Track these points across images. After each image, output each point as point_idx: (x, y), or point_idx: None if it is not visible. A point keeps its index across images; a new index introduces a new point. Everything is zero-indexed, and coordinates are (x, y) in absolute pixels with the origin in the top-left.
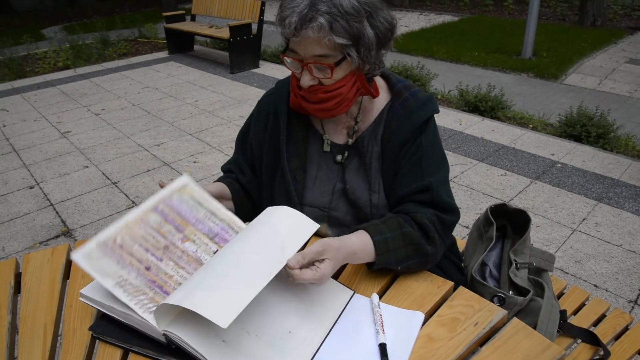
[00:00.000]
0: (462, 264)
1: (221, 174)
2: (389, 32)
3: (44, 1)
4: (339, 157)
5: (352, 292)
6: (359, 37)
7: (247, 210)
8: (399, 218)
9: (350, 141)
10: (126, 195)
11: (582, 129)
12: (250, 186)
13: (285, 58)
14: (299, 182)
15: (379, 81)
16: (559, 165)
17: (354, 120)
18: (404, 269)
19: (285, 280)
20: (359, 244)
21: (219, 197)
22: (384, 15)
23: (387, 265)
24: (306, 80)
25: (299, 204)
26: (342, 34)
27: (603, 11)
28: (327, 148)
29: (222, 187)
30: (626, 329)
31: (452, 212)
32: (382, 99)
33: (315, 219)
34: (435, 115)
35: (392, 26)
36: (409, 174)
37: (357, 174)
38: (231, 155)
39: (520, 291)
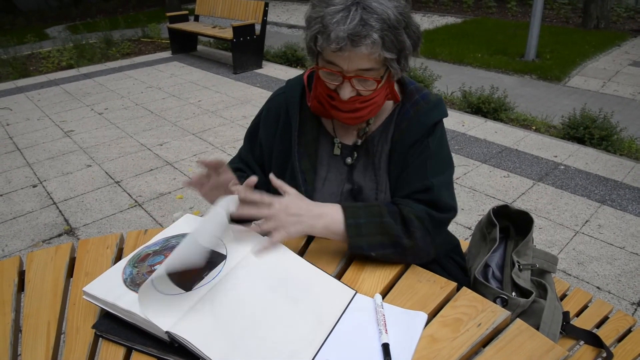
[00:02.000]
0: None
1: None
2: (419, 39)
3: (48, 1)
4: (348, 160)
5: (354, 292)
6: (402, 50)
7: None
8: (384, 207)
9: (360, 141)
10: (129, 195)
11: (585, 131)
12: (262, 186)
13: (321, 71)
14: (309, 184)
15: None
16: (562, 167)
17: (366, 122)
18: (380, 256)
19: (287, 280)
20: (329, 212)
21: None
22: (415, 23)
23: (360, 249)
24: (347, 93)
25: None
26: (391, 49)
27: (606, 14)
28: (337, 151)
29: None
30: (629, 331)
31: (446, 211)
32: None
33: None
34: None
35: (420, 33)
36: (413, 174)
37: (365, 173)
38: (234, 155)
39: (523, 292)
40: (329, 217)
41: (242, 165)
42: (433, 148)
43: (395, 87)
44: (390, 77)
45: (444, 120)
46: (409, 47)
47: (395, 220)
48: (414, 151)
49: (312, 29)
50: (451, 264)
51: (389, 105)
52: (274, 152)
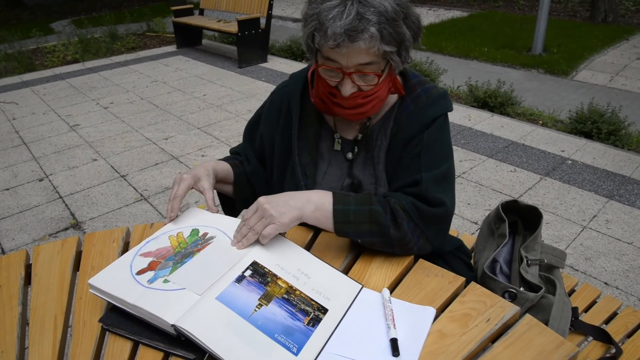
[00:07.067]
0: (471, 260)
1: None
2: (419, 30)
3: None
4: (349, 155)
5: (361, 286)
6: (401, 42)
7: (247, 196)
8: (374, 197)
9: (360, 136)
10: (134, 189)
11: (592, 126)
12: (254, 176)
13: (321, 68)
14: (309, 177)
15: None
16: (569, 161)
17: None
18: (366, 243)
19: (292, 276)
20: (316, 197)
21: (222, 181)
22: (414, 13)
23: (346, 235)
24: (348, 89)
25: None
26: (390, 42)
27: (614, 7)
28: (337, 147)
29: (229, 170)
30: (638, 327)
31: (436, 205)
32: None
33: None
34: None
35: (420, 23)
36: (407, 168)
37: (364, 168)
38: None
39: (531, 288)
40: (318, 201)
41: (239, 150)
42: (428, 141)
43: (400, 79)
44: (391, 70)
45: (450, 114)
46: (408, 39)
47: (385, 210)
48: (410, 146)
49: (309, 26)
50: (456, 261)
51: (391, 99)
52: (276, 145)
